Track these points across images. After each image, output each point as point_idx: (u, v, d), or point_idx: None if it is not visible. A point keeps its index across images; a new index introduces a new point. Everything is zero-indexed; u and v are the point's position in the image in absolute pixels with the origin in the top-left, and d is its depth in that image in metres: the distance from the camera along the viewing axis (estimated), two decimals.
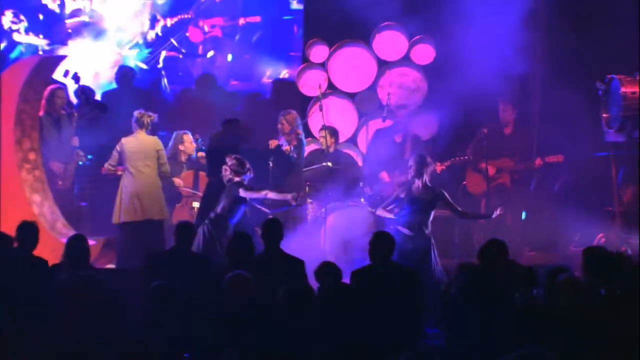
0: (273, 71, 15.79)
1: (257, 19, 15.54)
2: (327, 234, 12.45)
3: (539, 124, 14.12)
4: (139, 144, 11.82)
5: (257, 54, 15.72)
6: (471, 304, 7.83)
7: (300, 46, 15.00)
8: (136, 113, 11.95)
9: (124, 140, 11.90)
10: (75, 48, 15.66)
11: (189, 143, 12.91)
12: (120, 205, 11.80)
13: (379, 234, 8.96)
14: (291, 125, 12.79)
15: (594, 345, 7.06)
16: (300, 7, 15.32)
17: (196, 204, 12.96)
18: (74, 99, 13.36)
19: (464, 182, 13.45)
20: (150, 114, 12.04)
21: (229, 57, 15.67)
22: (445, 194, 11.03)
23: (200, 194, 12.89)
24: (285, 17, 15.77)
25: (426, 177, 10.93)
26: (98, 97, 14.01)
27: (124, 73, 14.67)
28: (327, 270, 8.32)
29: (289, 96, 14.62)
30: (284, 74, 15.72)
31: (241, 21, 15.70)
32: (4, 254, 8.93)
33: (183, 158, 13.15)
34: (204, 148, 12.80)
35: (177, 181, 12.99)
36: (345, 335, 7.35)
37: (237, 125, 11.95)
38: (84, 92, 12.97)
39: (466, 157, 12.98)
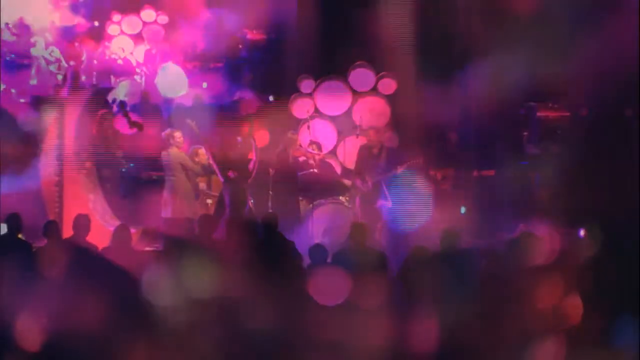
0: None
1: (220, 64, 17.05)
2: (314, 224, 12.33)
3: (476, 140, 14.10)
4: (170, 159, 11.74)
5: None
6: (425, 277, 7.70)
7: (247, 80, 16.73)
8: (163, 133, 11.80)
9: (163, 153, 11.88)
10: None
11: (202, 155, 12.75)
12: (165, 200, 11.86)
13: (357, 224, 8.84)
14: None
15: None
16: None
17: (209, 201, 12.91)
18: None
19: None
20: (174, 131, 11.86)
21: (205, 85, 16.90)
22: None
23: (214, 193, 12.85)
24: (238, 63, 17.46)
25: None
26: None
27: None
28: (318, 250, 8.25)
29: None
30: (237, 95, 16.31)
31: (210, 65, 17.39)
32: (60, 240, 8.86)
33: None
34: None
35: (202, 185, 13.02)
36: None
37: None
38: (119, 102, 12.96)
39: (417, 160, 12.87)
